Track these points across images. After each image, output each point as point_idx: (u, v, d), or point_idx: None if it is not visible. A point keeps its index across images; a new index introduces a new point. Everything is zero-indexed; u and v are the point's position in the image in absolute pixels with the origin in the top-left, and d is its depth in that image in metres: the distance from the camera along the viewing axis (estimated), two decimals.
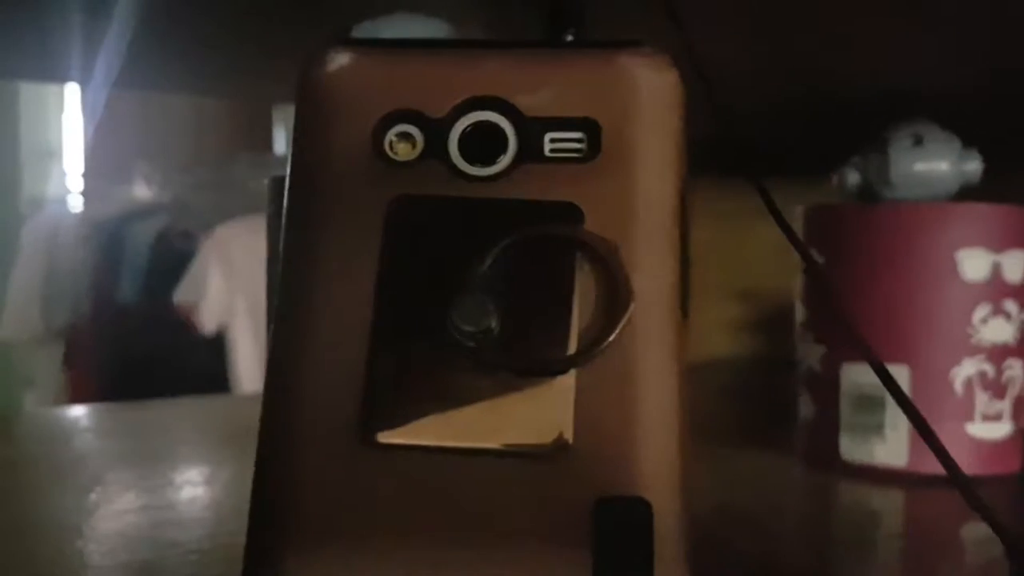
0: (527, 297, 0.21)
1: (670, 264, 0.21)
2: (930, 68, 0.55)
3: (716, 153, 0.41)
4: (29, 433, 0.55)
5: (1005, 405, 0.44)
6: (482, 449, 0.20)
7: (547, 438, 0.20)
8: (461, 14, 0.36)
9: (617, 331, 0.20)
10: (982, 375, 0.44)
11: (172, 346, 1.76)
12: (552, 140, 0.21)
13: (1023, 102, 0.62)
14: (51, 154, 2.51)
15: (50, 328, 1.94)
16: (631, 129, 0.21)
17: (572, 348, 0.20)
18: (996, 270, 0.44)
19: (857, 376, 0.45)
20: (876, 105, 0.60)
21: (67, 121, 2.54)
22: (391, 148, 0.22)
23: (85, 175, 2.43)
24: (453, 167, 0.22)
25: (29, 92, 2.47)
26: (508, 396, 0.20)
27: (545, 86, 0.22)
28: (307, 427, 0.20)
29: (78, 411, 0.62)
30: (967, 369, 0.44)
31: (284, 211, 0.22)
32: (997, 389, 0.44)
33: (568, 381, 0.20)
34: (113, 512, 0.37)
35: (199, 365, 1.71)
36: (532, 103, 0.22)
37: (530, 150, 0.21)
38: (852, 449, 0.45)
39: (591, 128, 0.21)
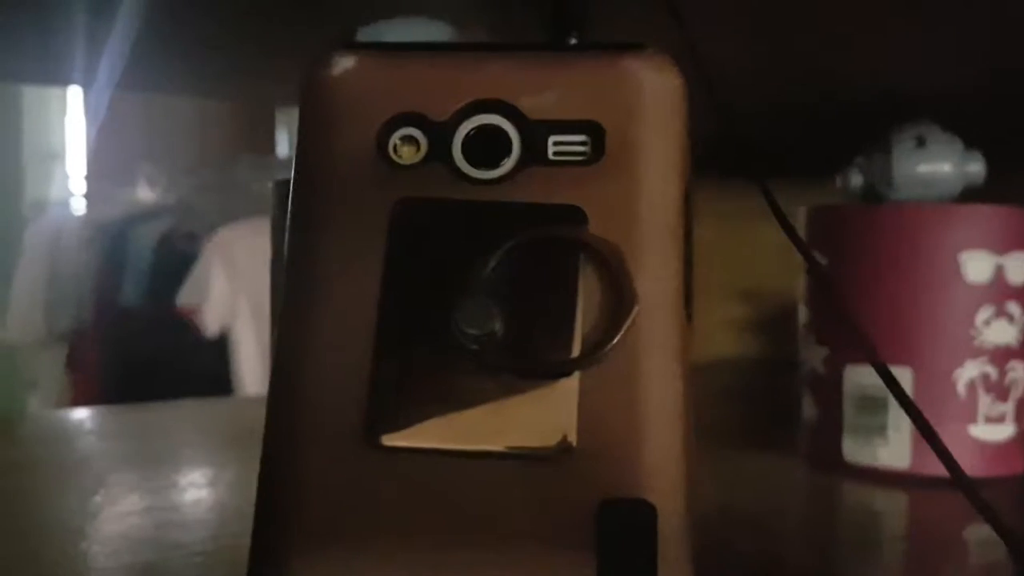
0: (531, 300, 0.21)
1: (674, 267, 0.21)
2: (931, 68, 0.55)
3: (719, 154, 0.41)
4: (33, 435, 0.55)
5: (1008, 407, 0.44)
6: (486, 451, 0.20)
7: (551, 440, 0.20)
8: (464, 17, 0.37)
9: (621, 334, 0.20)
10: (985, 377, 0.44)
11: (175, 348, 1.76)
12: (556, 143, 0.21)
13: None
14: (54, 156, 2.51)
15: (53, 330, 1.94)
16: (635, 132, 0.21)
17: (576, 351, 0.20)
18: (999, 272, 0.44)
19: (860, 377, 0.45)
20: (876, 105, 0.60)
21: (70, 123, 2.54)
22: (395, 151, 0.22)
23: (88, 177, 2.44)
24: (457, 170, 0.22)
25: (32, 95, 2.47)
26: (512, 399, 0.20)
27: (548, 89, 0.22)
28: (311, 429, 0.20)
29: (82, 413, 0.62)
30: (970, 371, 0.44)
31: (288, 214, 0.22)
32: (1000, 391, 0.44)
33: (572, 384, 0.20)
34: (117, 514, 0.37)
35: (202, 367, 1.71)
36: (535, 106, 0.22)
37: (534, 153, 0.21)
38: (855, 451, 0.45)
39: (595, 131, 0.21)
